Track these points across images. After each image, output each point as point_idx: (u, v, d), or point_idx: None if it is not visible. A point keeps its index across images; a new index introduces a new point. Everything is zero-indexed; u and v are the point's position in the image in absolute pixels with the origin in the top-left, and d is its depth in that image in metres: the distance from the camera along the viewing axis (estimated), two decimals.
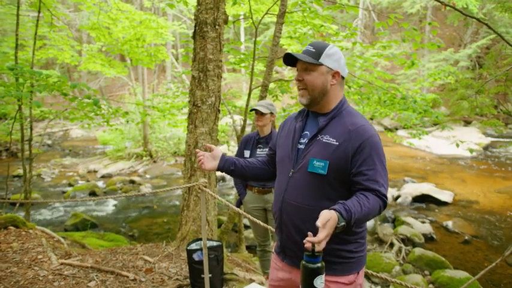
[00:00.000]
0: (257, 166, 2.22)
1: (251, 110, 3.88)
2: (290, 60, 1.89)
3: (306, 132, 1.92)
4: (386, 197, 1.73)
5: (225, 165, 2.16)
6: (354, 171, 1.73)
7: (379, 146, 1.77)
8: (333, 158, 1.75)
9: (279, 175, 2.00)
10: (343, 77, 1.90)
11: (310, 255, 1.49)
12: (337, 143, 1.76)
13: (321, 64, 1.81)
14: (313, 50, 1.83)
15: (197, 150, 2.17)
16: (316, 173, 1.77)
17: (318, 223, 1.49)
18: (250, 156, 3.87)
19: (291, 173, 1.88)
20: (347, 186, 1.77)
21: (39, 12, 6.56)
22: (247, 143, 3.97)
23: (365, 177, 1.71)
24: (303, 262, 1.52)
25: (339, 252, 1.80)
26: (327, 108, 1.88)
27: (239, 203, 4.08)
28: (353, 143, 1.73)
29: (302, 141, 1.90)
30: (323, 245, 1.49)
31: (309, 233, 1.50)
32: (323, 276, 1.52)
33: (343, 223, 1.55)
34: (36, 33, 6.58)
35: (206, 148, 2.19)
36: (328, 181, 1.76)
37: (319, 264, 1.50)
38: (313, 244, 1.47)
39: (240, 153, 3.99)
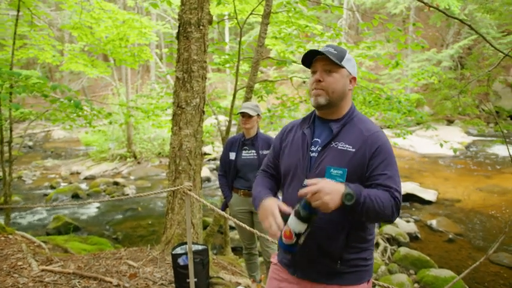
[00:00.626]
0: (273, 183, 2.05)
1: (238, 113, 3.83)
2: (310, 58, 1.82)
3: (316, 139, 1.84)
4: (399, 200, 1.68)
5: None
6: (368, 174, 1.71)
7: (392, 152, 1.76)
8: (351, 166, 1.70)
9: (289, 186, 1.89)
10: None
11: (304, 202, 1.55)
12: (354, 150, 1.71)
13: (343, 67, 1.78)
14: (335, 52, 1.77)
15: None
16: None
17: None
18: (235, 158, 3.83)
19: (305, 183, 1.73)
20: None
21: (18, 10, 6.40)
22: (233, 145, 3.92)
23: (380, 180, 1.69)
24: (298, 208, 1.58)
25: (355, 261, 1.77)
26: (339, 113, 1.84)
27: (225, 206, 4.03)
28: (369, 148, 1.71)
29: (313, 148, 1.82)
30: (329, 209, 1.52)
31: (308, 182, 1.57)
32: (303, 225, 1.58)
33: (349, 190, 1.53)
34: (15, 33, 6.42)
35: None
36: None
37: (312, 214, 1.56)
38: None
39: (225, 156, 3.94)
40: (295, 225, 1.58)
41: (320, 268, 1.78)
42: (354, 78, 1.84)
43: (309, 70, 1.86)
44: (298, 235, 1.59)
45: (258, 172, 2.13)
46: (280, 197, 1.99)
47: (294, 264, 1.86)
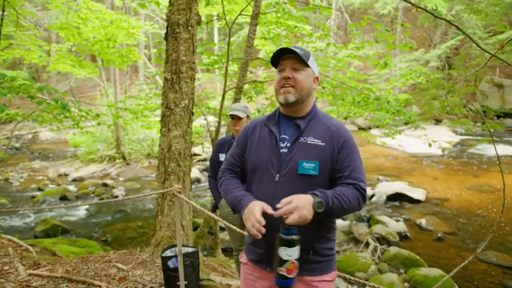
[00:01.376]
0: (241, 182, 2.07)
1: (228, 115, 3.81)
2: (279, 56, 1.89)
3: (283, 136, 1.90)
4: (365, 191, 1.81)
5: None
6: (337, 167, 1.81)
7: (356, 146, 1.89)
8: (322, 159, 1.79)
9: (258, 182, 1.91)
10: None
11: (286, 228, 1.62)
12: (324, 144, 1.81)
13: (309, 66, 1.88)
14: (302, 52, 1.84)
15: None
16: (307, 175, 1.79)
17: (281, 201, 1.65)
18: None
19: (277, 178, 1.83)
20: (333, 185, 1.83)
21: (3, 10, 6.29)
22: (222, 146, 3.91)
23: (346, 173, 1.80)
24: (281, 234, 1.64)
25: (324, 250, 1.85)
26: (304, 111, 1.92)
27: (215, 208, 4.01)
28: (337, 142, 1.82)
29: (282, 145, 1.87)
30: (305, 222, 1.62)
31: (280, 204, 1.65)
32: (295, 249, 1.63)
33: (319, 199, 1.64)
34: (0, 33, 6.32)
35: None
36: (319, 181, 1.79)
37: (297, 236, 1.62)
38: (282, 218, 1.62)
39: (215, 157, 3.93)
40: (292, 253, 1.62)
41: (305, 259, 1.80)
42: (317, 78, 1.96)
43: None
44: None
45: (221, 171, 2.13)
46: None
47: (266, 258, 1.88)
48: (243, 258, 2.04)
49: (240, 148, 2.05)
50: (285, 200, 1.65)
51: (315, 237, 1.81)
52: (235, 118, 3.70)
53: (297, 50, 1.83)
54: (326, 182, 1.81)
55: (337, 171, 1.81)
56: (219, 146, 3.94)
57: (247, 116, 3.74)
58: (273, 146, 1.88)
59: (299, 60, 1.84)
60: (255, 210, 1.72)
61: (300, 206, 1.61)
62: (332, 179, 1.82)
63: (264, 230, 1.68)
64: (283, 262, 1.63)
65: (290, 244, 1.61)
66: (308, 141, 1.82)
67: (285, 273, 1.64)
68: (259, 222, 1.69)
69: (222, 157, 3.85)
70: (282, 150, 1.86)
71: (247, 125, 2.08)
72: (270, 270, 1.85)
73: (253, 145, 1.98)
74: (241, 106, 3.78)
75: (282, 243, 1.62)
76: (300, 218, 1.60)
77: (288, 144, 1.85)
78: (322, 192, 1.69)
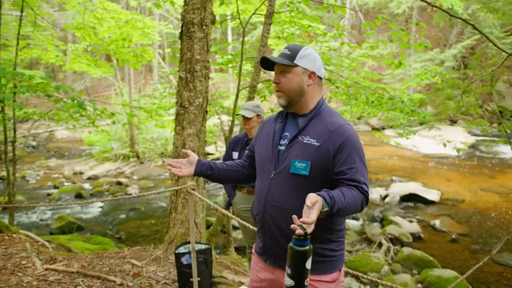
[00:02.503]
0: (235, 169, 2.20)
1: (237, 115, 3.84)
2: (267, 64, 1.91)
3: (286, 133, 1.93)
4: (368, 193, 1.76)
5: (202, 169, 2.13)
6: (336, 170, 1.76)
7: (359, 145, 1.80)
8: (315, 159, 1.77)
9: (260, 177, 2.00)
10: (320, 78, 1.91)
11: (302, 239, 1.48)
12: (318, 144, 1.78)
13: (296, 65, 1.84)
14: (288, 53, 1.85)
15: (171, 162, 2.13)
16: (298, 174, 1.79)
17: (308, 202, 1.51)
18: (238, 158, 3.83)
19: (272, 175, 1.88)
20: (329, 186, 1.77)
21: (22, 11, 6.42)
22: (236, 144, 3.93)
23: (347, 176, 1.74)
24: (294, 246, 1.50)
25: (322, 251, 1.83)
26: (305, 109, 1.90)
27: (228, 205, 4.03)
28: (334, 142, 1.76)
29: (282, 142, 1.91)
30: (313, 226, 1.51)
31: (294, 217, 1.51)
32: (310, 259, 1.54)
33: (326, 208, 1.58)
34: (19, 33, 6.45)
35: (183, 154, 2.16)
36: (311, 182, 1.78)
37: (308, 247, 1.51)
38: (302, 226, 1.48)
39: (228, 155, 3.96)
40: (309, 263, 1.54)
41: None
42: (313, 73, 1.87)
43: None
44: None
45: None
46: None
47: (266, 252, 1.95)
48: (253, 248, 2.12)
49: (253, 142, 2.14)
50: (308, 212, 1.55)
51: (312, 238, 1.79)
52: (244, 118, 3.73)
53: (284, 52, 1.86)
54: (318, 183, 1.76)
55: (336, 173, 1.76)
56: (233, 144, 3.97)
57: (258, 115, 3.74)
58: (273, 143, 1.93)
59: (283, 63, 1.84)
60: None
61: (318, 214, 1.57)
62: (332, 180, 1.78)
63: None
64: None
65: (307, 255, 1.54)
66: (304, 141, 1.81)
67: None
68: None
69: (235, 155, 3.87)
70: (280, 148, 1.90)
71: (264, 119, 2.16)
72: (269, 263, 1.94)
73: (259, 140, 2.05)
74: (251, 105, 3.79)
75: (306, 256, 1.54)
76: (309, 223, 1.52)
77: (287, 142, 1.88)
78: (331, 197, 1.61)
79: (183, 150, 2.18)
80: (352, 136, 1.79)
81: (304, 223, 1.48)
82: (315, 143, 1.78)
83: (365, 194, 1.74)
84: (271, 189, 1.87)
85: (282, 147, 1.89)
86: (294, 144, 1.84)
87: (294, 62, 1.83)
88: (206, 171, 2.13)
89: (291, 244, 1.52)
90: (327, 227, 1.81)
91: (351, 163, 1.74)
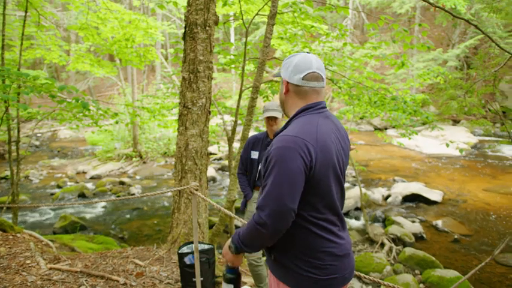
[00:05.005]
0: None
1: (264, 117, 3.73)
2: None
3: None
4: (261, 218, 1.56)
5: None
6: None
7: (281, 159, 1.57)
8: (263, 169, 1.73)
9: None
10: (297, 85, 1.76)
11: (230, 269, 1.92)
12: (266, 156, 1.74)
13: (279, 75, 1.88)
14: (282, 65, 1.89)
15: None
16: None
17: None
18: (259, 157, 3.78)
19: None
20: None
21: (26, 11, 6.46)
22: (255, 144, 3.83)
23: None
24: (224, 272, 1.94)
25: (282, 260, 1.74)
26: (289, 117, 1.87)
27: (244, 204, 3.95)
28: (266, 157, 1.68)
29: None
30: (235, 262, 1.84)
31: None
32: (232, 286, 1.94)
33: (232, 245, 1.76)
34: (23, 33, 6.49)
35: None
36: None
37: (232, 276, 1.92)
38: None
39: (246, 154, 3.87)
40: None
41: (268, 257, 1.86)
42: (285, 81, 1.80)
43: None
44: None
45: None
46: None
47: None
48: None
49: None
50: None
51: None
52: (271, 119, 3.67)
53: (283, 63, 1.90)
54: None
55: None
56: (252, 144, 3.87)
57: (282, 115, 3.68)
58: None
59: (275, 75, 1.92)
60: None
61: (223, 253, 1.84)
62: None
63: None
64: None
65: (228, 281, 1.93)
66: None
67: None
68: None
69: (255, 154, 3.78)
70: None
71: None
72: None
73: None
74: (276, 105, 3.64)
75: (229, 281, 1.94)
76: (228, 261, 1.85)
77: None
78: (236, 233, 1.72)
79: None
80: (277, 149, 1.60)
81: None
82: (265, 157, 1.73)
83: (256, 219, 1.58)
84: None
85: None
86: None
87: (281, 73, 1.85)
88: None
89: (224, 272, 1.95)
90: (282, 239, 1.71)
91: (266, 180, 1.61)
